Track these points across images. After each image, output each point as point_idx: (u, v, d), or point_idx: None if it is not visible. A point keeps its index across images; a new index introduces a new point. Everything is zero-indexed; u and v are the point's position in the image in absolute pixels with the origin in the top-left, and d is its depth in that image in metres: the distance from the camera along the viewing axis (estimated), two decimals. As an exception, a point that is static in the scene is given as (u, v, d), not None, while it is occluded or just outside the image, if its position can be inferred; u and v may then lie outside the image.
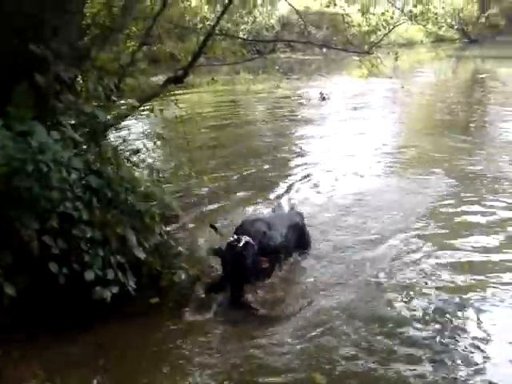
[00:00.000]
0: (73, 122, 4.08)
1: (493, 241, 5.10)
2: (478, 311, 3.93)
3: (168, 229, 4.58)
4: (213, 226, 4.53)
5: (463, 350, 3.51)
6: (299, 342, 3.62)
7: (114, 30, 6.06)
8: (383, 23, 7.32)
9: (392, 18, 7.45)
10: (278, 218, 4.89)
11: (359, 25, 8.02)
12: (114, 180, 3.89)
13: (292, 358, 3.46)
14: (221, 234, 4.48)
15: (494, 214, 5.72)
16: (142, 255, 3.81)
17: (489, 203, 6.01)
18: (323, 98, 12.40)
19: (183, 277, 4.10)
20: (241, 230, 4.22)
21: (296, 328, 3.78)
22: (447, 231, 5.33)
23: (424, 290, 4.26)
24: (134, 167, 4.53)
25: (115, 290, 3.53)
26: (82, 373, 3.29)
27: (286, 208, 5.77)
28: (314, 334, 3.71)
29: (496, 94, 13.71)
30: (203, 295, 4.13)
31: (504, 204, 5.98)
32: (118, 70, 5.39)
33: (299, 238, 4.73)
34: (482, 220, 5.57)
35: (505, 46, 25.55)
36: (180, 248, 4.34)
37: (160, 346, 3.60)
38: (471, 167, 7.39)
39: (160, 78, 6.48)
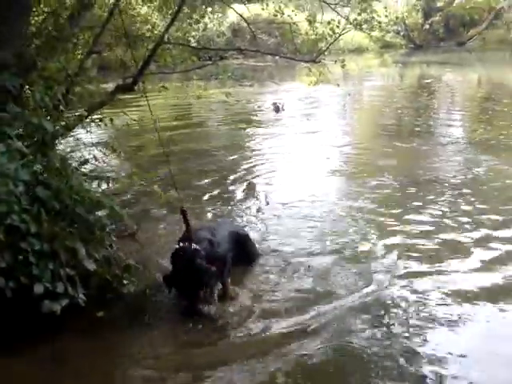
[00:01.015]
0: (19, 132, 4.03)
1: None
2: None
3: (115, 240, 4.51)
4: (183, 212, 4.30)
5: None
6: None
7: (61, 39, 6.01)
8: (329, 32, 7.49)
9: (338, 26, 7.61)
10: (221, 225, 4.90)
11: (307, 33, 8.17)
12: (62, 191, 3.86)
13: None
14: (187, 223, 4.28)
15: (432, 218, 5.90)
16: (92, 267, 3.78)
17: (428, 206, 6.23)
18: (277, 109, 11.79)
19: (132, 289, 4.11)
20: (185, 238, 4.19)
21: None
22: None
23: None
24: (83, 177, 4.49)
25: (64, 302, 3.50)
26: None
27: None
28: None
29: (440, 98, 14.27)
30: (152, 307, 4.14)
31: (441, 209, 6.15)
32: (66, 79, 5.33)
33: (243, 247, 4.72)
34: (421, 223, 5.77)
35: (448, 51, 26.61)
36: (130, 261, 4.30)
37: (106, 361, 3.58)
38: (417, 171, 7.64)
39: (110, 86, 6.43)
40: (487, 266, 4.74)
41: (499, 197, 6.45)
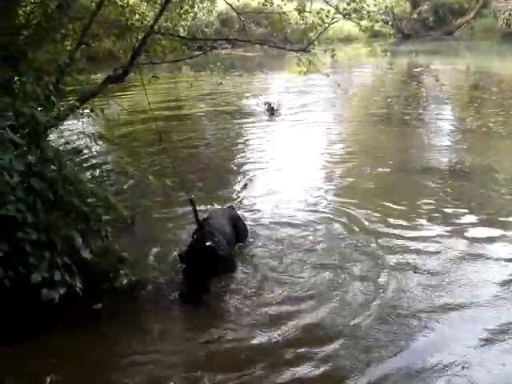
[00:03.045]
0: (12, 123, 4.03)
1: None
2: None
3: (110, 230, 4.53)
4: (192, 202, 4.51)
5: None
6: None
7: (50, 30, 5.98)
8: (319, 21, 7.49)
9: (327, 16, 7.61)
10: (222, 213, 5.04)
11: (296, 23, 8.17)
12: (57, 181, 3.87)
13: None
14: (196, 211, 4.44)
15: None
16: (88, 255, 3.82)
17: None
18: (272, 111, 10.43)
19: (125, 281, 4.15)
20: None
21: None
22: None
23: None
24: (77, 168, 4.50)
25: (62, 290, 3.53)
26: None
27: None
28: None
29: (429, 87, 14.33)
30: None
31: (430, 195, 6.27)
32: (56, 69, 5.32)
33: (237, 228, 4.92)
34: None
35: (436, 41, 26.69)
36: (124, 253, 4.34)
37: (99, 352, 3.61)
38: (407, 159, 7.73)
39: (100, 77, 6.42)
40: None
41: (489, 183, 6.58)
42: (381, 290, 4.22)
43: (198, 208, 4.60)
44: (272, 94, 12.39)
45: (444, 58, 20.23)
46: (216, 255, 4.11)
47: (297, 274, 4.51)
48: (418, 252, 4.85)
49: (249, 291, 4.25)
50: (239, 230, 4.93)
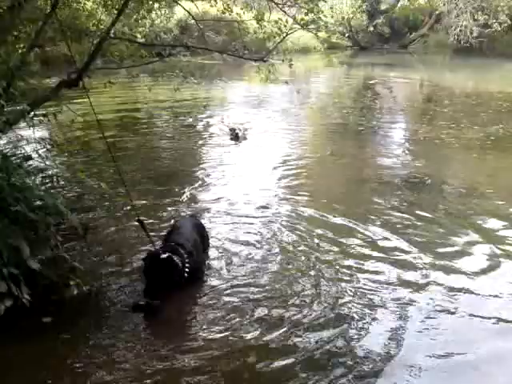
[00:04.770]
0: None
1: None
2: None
3: (60, 239, 4.38)
4: (139, 221, 4.46)
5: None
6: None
7: (1, 31, 5.79)
8: (277, 31, 7.54)
9: (285, 25, 7.68)
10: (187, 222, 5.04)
11: (255, 32, 8.22)
12: (4, 188, 3.73)
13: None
14: (146, 230, 4.40)
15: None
16: (36, 266, 3.68)
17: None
18: (236, 137, 9.50)
19: (75, 292, 4.03)
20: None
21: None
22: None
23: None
24: (26, 174, 4.34)
25: (9, 303, 3.39)
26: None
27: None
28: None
29: (384, 99, 14.67)
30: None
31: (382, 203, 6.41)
32: (7, 72, 5.13)
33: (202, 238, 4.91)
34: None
35: (391, 53, 27.41)
36: (75, 263, 4.22)
37: (45, 367, 3.47)
38: (362, 169, 7.86)
39: (53, 81, 6.25)
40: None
41: (440, 193, 6.76)
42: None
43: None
44: (237, 116, 11.53)
45: (398, 71, 20.75)
46: (172, 266, 4.06)
47: (257, 279, 4.55)
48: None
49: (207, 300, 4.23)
50: (204, 238, 4.95)
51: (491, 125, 10.52)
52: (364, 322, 4.02)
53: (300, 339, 3.78)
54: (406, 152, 8.91)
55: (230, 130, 9.69)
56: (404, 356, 3.65)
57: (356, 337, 3.84)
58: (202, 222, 5.32)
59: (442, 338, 3.84)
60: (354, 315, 4.09)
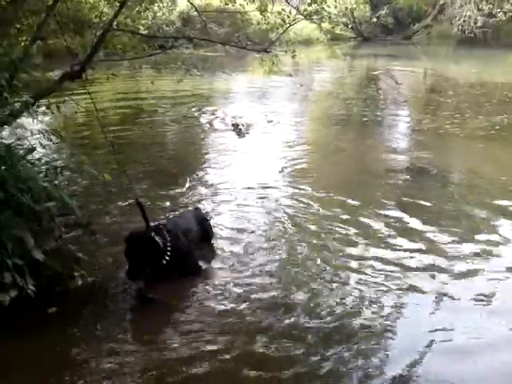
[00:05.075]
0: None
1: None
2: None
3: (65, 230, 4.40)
4: (138, 203, 4.40)
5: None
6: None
7: (3, 23, 5.78)
8: (280, 22, 7.52)
9: (289, 16, 7.65)
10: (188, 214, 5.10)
11: (258, 23, 8.19)
12: (7, 179, 3.74)
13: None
14: (145, 213, 4.35)
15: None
16: (40, 257, 3.70)
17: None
18: (239, 132, 9.29)
19: (80, 283, 4.04)
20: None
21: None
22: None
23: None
24: (30, 166, 4.35)
25: (14, 293, 3.40)
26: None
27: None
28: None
29: (387, 90, 14.59)
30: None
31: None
32: (10, 65, 5.13)
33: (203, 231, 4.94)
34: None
35: (395, 45, 27.24)
36: (79, 254, 4.23)
37: (51, 358, 3.49)
38: (367, 160, 7.84)
39: (56, 74, 6.25)
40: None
41: (445, 182, 6.77)
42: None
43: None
44: (240, 109, 11.33)
45: (402, 62, 20.62)
46: (152, 245, 4.04)
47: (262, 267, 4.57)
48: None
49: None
50: (205, 231, 4.95)
51: (495, 115, 10.47)
52: (375, 305, 4.07)
53: (310, 324, 3.82)
54: (410, 142, 8.90)
55: (233, 125, 9.54)
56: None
57: (367, 322, 3.88)
58: (205, 214, 5.33)
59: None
60: (362, 299, 4.14)
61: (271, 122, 10.08)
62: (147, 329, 3.81)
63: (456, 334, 3.73)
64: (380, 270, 4.56)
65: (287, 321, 3.85)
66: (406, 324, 3.89)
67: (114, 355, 3.48)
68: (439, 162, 7.56)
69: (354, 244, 5.05)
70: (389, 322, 3.88)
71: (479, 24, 26.88)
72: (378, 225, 5.45)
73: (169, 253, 4.14)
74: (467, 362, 3.52)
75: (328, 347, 3.59)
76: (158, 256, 4.08)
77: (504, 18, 25.99)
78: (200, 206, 5.72)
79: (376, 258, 4.76)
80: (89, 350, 3.54)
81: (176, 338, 3.67)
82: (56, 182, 4.37)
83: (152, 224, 4.36)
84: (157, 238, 4.09)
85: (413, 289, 4.30)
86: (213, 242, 5.03)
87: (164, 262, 4.11)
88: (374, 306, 4.07)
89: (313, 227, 5.41)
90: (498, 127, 9.54)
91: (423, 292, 4.27)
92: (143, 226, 4.30)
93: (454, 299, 4.17)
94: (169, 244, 4.16)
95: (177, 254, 4.19)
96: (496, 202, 6.10)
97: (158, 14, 16.50)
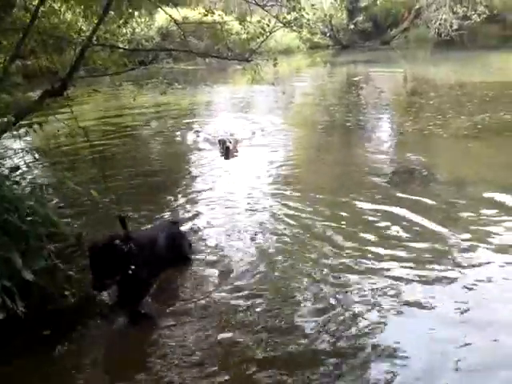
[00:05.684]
0: None
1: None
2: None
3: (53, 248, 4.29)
4: (121, 219, 4.21)
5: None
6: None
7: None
8: (260, 30, 7.54)
9: (268, 25, 7.67)
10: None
11: (237, 33, 8.21)
12: (-8, 200, 3.67)
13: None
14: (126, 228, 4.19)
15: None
16: (30, 277, 3.62)
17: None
18: (226, 152, 8.39)
19: (72, 301, 3.98)
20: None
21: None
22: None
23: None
24: (15, 185, 4.27)
25: (2, 315, 3.31)
26: None
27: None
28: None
29: (368, 95, 14.69)
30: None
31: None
32: (-11, 84, 5.07)
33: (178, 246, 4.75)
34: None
35: (373, 50, 27.53)
36: (70, 272, 4.15)
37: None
38: (353, 163, 7.87)
39: (37, 93, 6.18)
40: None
41: (430, 182, 6.81)
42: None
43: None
44: (224, 123, 11.16)
45: (382, 67, 20.80)
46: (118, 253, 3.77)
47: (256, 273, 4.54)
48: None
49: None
50: (179, 246, 4.72)
51: (477, 114, 10.56)
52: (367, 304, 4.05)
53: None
54: (395, 145, 8.95)
55: (220, 141, 8.79)
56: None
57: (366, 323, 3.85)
58: (179, 227, 5.16)
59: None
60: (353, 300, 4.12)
61: (254, 133, 10.08)
62: (144, 343, 3.74)
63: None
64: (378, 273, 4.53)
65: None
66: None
67: (111, 375, 3.41)
68: (424, 162, 7.59)
69: (347, 249, 5.01)
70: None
71: (455, 27, 27.31)
72: (365, 229, 5.42)
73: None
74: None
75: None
76: (122, 265, 3.82)
77: (478, 20, 26.43)
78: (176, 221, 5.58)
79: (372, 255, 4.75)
80: (83, 370, 3.46)
81: (175, 356, 3.59)
82: (42, 199, 4.29)
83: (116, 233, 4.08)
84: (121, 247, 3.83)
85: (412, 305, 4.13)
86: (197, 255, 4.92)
87: (130, 271, 3.86)
88: (371, 307, 4.05)
89: (300, 232, 5.38)
90: (480, 126, 9.63)
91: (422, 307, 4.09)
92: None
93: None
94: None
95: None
96: (483, 197, 6.13)
97: (137, 30, 16.59)
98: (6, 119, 4.99)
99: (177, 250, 4.70)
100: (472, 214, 5.68)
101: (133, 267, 3.87)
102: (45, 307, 3.85)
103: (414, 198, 6.21)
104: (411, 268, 4.60)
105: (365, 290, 4.26)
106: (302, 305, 4.14)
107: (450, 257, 4.78)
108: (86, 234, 4.76)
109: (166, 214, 6.04)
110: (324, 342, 3.65)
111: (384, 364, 3.41)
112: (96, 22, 6.47)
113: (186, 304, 4.20)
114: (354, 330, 3.77)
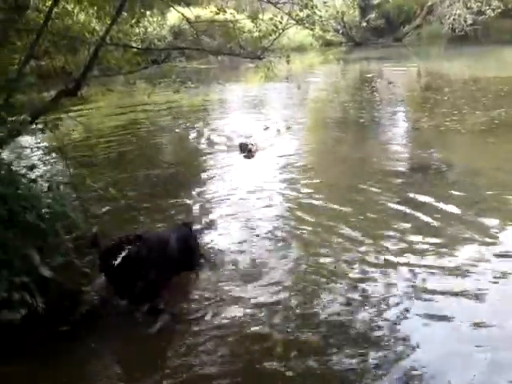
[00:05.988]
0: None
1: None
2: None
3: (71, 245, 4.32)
4: (93, 243, 4.17)
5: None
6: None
7: (-4, 44, 5.78)
8: (273, 28, 7.52)
9: (281, 22, 7.65)
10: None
11: (249, 31, 8.19)
12: (10, 198, 3.69)
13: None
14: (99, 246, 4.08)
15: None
16: (48, 273, 3.65)
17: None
18: (248, 153, 8.43)
19: (88, 297, 3.99)
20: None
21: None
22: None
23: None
24: (32, 183, 4.30)
25: (23, 311, 3.35)
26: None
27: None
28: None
29: (382, 91, 14.60)
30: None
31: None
32: (6, 85, 5.12)
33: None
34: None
35: (386, 47, 27.35)
36: (87, 269, 4.16)
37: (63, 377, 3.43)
38: (368, 160, 7.82)
39: (52, 94, 6.23)
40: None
41: (450, 178, 6.76)
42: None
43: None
44: (240, 125, 10.76)
45: (395, 63, 20.66)
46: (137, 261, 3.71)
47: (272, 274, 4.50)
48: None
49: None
50: (190, 250, 4.60)
51: (493, 109, 10.44)
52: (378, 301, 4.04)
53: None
54: (411, 141, 8.87)
55: (241, 145, 8.68)
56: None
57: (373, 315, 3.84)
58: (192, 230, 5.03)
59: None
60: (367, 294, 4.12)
61: (267, 128, 10.07)
62: (160, 341, 3.74)
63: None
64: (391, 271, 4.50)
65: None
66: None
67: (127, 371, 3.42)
68: (443, 158, 7.51)
69: (364, 244, 4.99)
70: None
71: (469, 22, 27.00)
72: (380, 225, 5.40)
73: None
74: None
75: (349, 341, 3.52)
76: (145, 269, 3.76)
77: (493, 15, 26.11)
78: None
79: (389, 262, 4.68)
80: (101, 367, 3.48)
81: (189, 350, 3.59)
82: (59, 197, 4.32)
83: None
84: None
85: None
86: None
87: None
88: (385, 303, 4.03)
89: (316, 230, 5.36)
90: (497, 121, 9.52)
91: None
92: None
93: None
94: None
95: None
96: (502, 193, 6.05)
97: (150, 29, 16.63)
98: (21, 119, 5.05)
99: (188, 253, 4.60)
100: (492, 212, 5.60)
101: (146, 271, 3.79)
102: (62, 303, 3.87)
103: (432, 192, 6.16)
104: (432, 260, 4.60)
105: (388, 285, 4.25)
106: (325, 301, 4.13)
107: (475, 249, 4.74)
108: (97, 231, 4.77)
109: (182, 214, 6.00)
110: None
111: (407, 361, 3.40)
112: (109, 22, 6.51)
113: (202, 304, 4.18)
114: (380, 323, 3.78)
